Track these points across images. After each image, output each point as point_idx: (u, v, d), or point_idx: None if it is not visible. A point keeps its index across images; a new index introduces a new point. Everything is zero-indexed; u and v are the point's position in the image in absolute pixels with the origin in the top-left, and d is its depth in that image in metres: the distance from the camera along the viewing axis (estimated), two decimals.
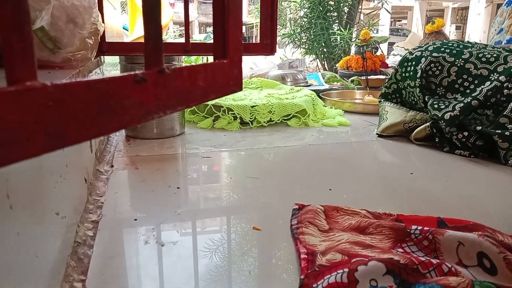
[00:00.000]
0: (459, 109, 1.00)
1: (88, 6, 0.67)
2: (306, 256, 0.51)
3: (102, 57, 1.15)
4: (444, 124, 1.01)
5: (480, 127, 0.97)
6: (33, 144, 0.19)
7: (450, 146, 1.04)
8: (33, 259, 0.36)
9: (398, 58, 2.33)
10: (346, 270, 0.46)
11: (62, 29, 0.63)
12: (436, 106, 1.05)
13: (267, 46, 1.08)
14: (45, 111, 0.19)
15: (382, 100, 1.28)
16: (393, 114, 1.19)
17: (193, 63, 2.57)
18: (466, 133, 0.99)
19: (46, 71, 0.63)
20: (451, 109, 1.01)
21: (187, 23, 0.96)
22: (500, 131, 0.93)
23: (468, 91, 1.04)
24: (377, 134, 1.21)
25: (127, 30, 2.99)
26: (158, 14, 0.28)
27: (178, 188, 0.75)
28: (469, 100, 1.00)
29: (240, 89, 0.40)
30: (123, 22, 2.79)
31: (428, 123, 1.10)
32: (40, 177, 0.40)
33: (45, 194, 0.41)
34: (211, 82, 0.34)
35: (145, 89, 0.26)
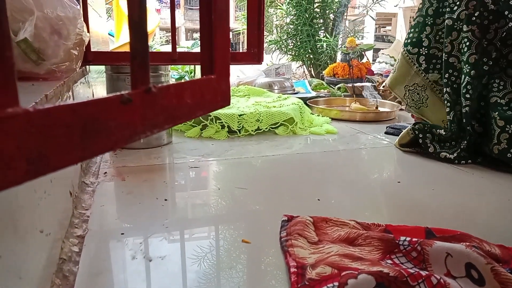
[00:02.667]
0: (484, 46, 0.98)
1: (73, 17, 0.66)
2: (295, 270, 0.50)
3: (87, 66, 1.13)
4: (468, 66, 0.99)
5: (496, 99, 0.96)
6: (14, 171, 0.19)
7: (434, 147, 1.04)
8: (17, 281, 0.35)
9: (384, 65, 2.36)
10: (336, 284, 0.45)
11: (46, 40, 0.62)
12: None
13: (254, 55, 1.08)
14: (27, 137, 0.19)
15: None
16: (401, 68, 1.17)
17: (180, 70, 2.56)
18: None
19: (30, 83, 0.61)
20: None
21: (173, 33, 0.95)
22: (503, 112, 0.93)
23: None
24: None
25: (113, 36, 2.97)
26: (144, 31, 0.28)
27: (165, 200, 0.74)
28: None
29: (228, 103, 0.40)
30: (109, 29, 2.77)
31: (409, 126, 1.11)
32: (23, 195, 0.39)
33: (28, 212, 0.40)
34: (199, 98, 0.34)
35: (131, 109, 0.25)
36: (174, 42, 1.00)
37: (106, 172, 0.89)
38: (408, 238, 0.55)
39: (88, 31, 0.86)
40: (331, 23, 3.14)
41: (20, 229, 0.37)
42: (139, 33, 0.27)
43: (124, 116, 0.25)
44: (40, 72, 0.64)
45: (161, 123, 0.29)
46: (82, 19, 0.73)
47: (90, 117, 0.22)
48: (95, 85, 1.30)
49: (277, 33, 3.27)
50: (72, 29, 0.66)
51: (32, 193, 0.42)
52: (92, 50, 0.98)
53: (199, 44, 0.41)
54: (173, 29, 0.94)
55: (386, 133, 1.35)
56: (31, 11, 0.59)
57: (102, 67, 1.35)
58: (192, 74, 2.47)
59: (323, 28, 3.13)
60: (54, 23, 0.62)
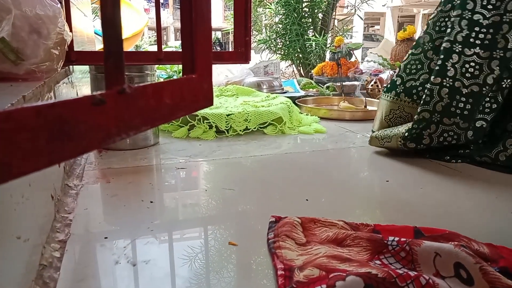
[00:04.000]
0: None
1: (53, 15, 0.64)
2: (283, 272, 0.49)
3: (71, 66, 1.11)
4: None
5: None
6: None
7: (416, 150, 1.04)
8: None
9: (372, 64, 2.36)
10: (324, 286, 0.45)
11: (25, 39, 0.60)
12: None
13: (241, 54, 1.07)
14: None
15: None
16: (379, 107, 1.15)
17: (168, 69, 2.54)
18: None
19: (8, 84, 0.60)
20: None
21: (159, 32, 0.94)
22: None
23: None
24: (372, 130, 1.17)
25: (100, 36, 2.94)
26: (118, 29, 0.27)
27: (151, 202, 0.73)
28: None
29: (211, 104, 0.39)
30: (95, 27, 2.73)
31: (399, 137, 1.02)
32: None
33: (3, 218, 0.39)
34: (179, 98, 0.33)
35: (104, 111, 0.24)
36: (160, 41, 0.98)
37: (83, 179, 0.87)
38: (396, 238, 0.54)
39: (71, 30, 0.84)
40: (319, 22, 3.14)
41: None
42: (112, 31, 0.26)
43: (97, 118, 0.24)
44: (19, 73, 0.62)
45: (137, 125, 0.27)
46: (64, 18, 0.71)
47: (58, 120, 0.21)
48: (79, 85, 1.28)
49: (266, 33, 3.26)
50: (52, 28, 0.64)
51: (7, 197, 0.40)
52: (76, 49, 0.96)
53: None
54: (159, 28, 0.93)
55: None
56: (9, 9, 0.57)
57: (87, 67, 1.33)
58: (181, 74, 2.45)
59: (312, 27, 3.13)
60: (33, 21, 0.60)
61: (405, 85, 1.07)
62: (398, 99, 1.08)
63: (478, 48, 0.94)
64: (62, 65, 0.74)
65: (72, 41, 0.87)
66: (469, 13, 0.95)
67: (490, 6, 0.94)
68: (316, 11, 3.09)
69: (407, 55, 1.09)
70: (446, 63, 0.96)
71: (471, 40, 0.94)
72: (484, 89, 0.94)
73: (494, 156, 0.93)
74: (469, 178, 0.89)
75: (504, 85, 0.93)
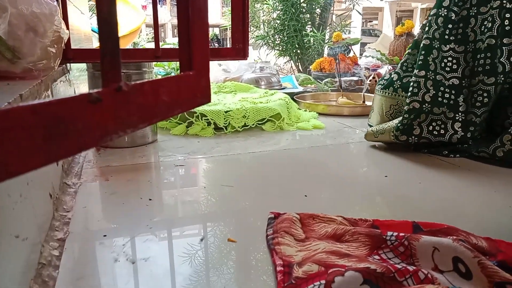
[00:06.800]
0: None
1: (49, 13, 0.64)
2: (282, 269, 0.49)
3: (68, 64, 1.11)
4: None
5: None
6: None
7: (415, 147, 1.05)
8: None
9: (370, 59, 2.36)
10: (323, 282, 0.45)
11: (21, 38, 0.60)
12: None
13: (239, 51, 1.07)
14: None
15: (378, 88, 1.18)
16: (377, 103, 1.17)
17: (166, 67, 2.53)
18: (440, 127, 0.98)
19: (5, 83, 0.59)
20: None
21: (156, 29, 0.93)
22: None
23: None
24: (369, 124, 1.21)
25: (97, 33, 2.92)
26: (114, 26, 0.27)
27: (150, 199, 0.73)
28: None
29: (209, 100, 0.39)
30: (92, 25, 2.72)
31: (392, 129, 1.02)
32: None
33: (1, 218, 0.39)
34: (176, 95, 0.33)
35: (101, 109, 0.24)
36: (157, 38, 0.98)
37: (81, 177, 0.87)
38: (395, 233, 0.55)
39: (68, 28, 0.83)
40: (317, 18, 3.13)
41: None
42: (108, 28, 0.26)
43: (94, 116, 0.24)
44: (16, 71, 0.62)
45: (135, 122, 0.27)
46: (60, 16, 0.71)
47: (54, 118, 0.21)
48: (77, 83, 1.27)
49: (264, 28, 3.25)
50: (48, 26, 0.64)
51: (5, 197, 0.40)
52: (73, 47, 0.96)
53: None
54: (156, 25, 0.92)
55: None
56: (5, 7, 0.57)
57: (84, 65, 1.32)
58: (179, 71, 2.44)
59: (310, 23, 3.12)
60: (29, 20, 0.60)
61: (402, 81, 1.09)
62: (396, 94, 1.10)
63: (453, 43, 0.99)
64: (59, 63, 0.74)
65: (69, 39, 0.86)
66: (445, 10, 1.00)
67: (460, 3, 1.00)
68: (314, 6, 3.09)
69: (405, 54, 1.12)
70: (428, 58, 1.00)
71: (446, 36, 1.00)
72: (463, 81, 0.98)
73: (492, 152, 0.93)
74: (467, 172, 0.90)
75: (498, 80, 0.93)
